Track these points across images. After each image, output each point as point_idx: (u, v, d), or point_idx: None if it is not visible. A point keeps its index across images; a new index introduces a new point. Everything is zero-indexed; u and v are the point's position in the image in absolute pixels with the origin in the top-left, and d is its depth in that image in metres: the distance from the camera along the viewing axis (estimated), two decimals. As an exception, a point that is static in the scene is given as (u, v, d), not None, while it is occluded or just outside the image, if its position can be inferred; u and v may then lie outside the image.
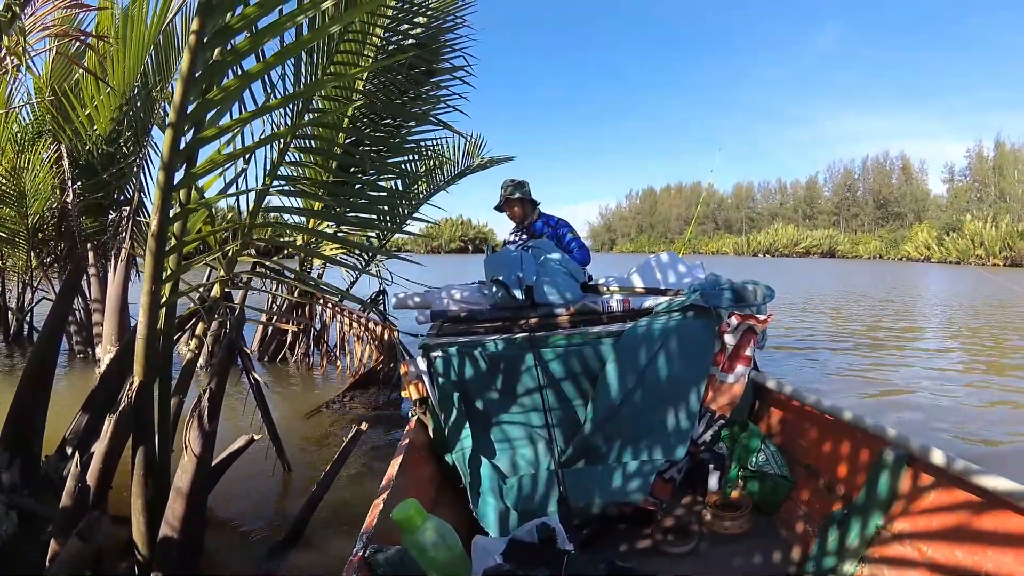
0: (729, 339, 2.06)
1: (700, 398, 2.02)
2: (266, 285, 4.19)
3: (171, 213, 1.60)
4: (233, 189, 2.03)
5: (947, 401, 4.25)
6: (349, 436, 2.24)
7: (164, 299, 1.75)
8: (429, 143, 4.28)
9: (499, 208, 3.43)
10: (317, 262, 5.04)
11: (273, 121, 2.30)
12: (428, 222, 4.33)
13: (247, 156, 1.97)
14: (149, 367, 1.70)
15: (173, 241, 1.73)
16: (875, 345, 6.72)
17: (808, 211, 62.28)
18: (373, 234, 4.58)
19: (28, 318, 6.42)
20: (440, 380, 2.11)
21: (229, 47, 1.54)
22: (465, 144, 5.20)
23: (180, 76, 1.46)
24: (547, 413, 2.03)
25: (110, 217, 4.97)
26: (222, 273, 2.16)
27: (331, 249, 4.02)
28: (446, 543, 1.36)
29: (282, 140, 2.18)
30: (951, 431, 3.53)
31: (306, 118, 2.36)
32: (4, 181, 4.53)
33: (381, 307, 4.71)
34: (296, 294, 4.61)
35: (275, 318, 4.87)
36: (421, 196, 5.08)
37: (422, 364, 2.15)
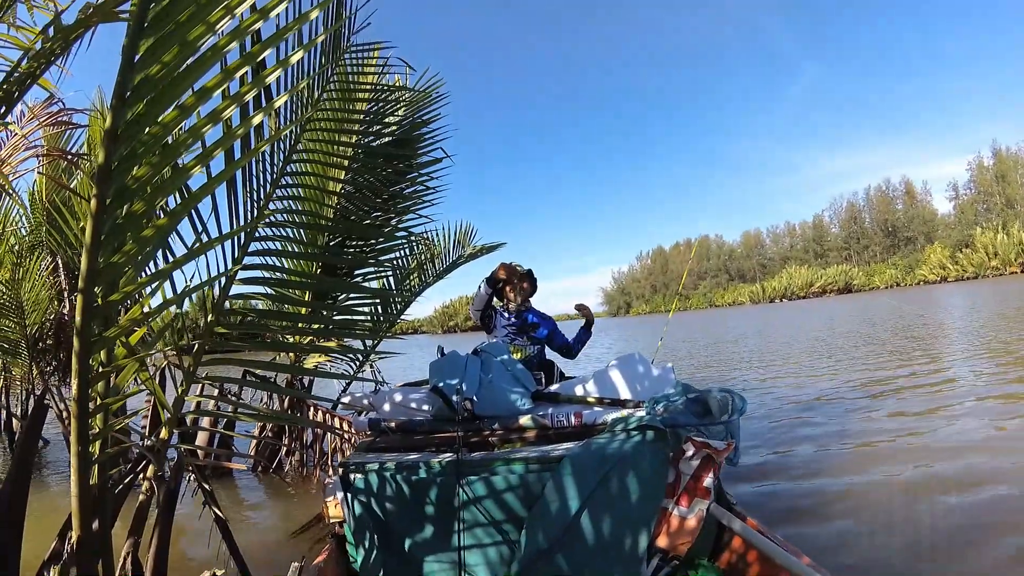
0: (685, 468, 1.87)
1: (650, 535, 1.80)
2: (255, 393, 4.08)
3: (92, 374, 1.54)
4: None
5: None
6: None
7: (95, 457, 1.68)
8: (416, 236, 4.30)
9: (494, 282, 3.17)
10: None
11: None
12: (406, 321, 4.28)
13: (181, 302, 1.93)
14: (87, 523, 1.54)
15: (99, 400, 1.68)
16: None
17: (819, 250, 61.48)
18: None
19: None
20: (356, 502, 1.96)
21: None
22: (455, 234, 5.23)
23: (84, 244, 1.43)
24: (461, 550, 1.85)
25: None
26: (166, 416, 2.08)
27: (315, 360, 3.98)
28: None
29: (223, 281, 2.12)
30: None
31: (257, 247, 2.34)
32: (4, 291, 4.58)
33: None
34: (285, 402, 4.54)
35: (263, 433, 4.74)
36: (413, 291, 5.08)
37: (340, 484, 2.01)
